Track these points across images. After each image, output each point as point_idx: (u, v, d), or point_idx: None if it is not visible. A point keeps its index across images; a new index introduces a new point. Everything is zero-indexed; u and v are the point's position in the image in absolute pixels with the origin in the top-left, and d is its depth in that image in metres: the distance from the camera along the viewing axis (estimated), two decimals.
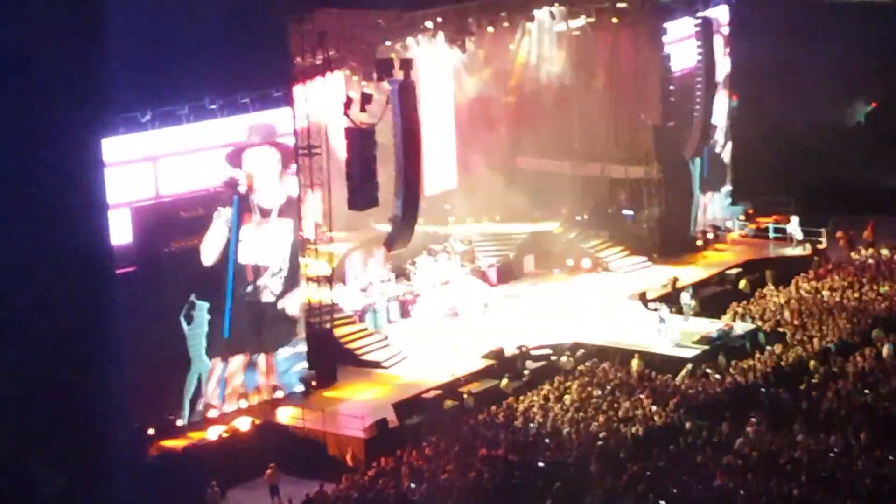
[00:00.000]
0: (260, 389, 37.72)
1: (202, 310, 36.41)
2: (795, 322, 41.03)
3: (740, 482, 29.81)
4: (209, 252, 36.75)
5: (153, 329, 35.60)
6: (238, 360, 37.32)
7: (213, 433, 35.64)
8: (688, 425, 33.42)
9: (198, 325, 36.40)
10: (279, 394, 37.90)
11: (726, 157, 52.77)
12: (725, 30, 51.38)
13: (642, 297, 44.33)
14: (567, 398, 36.25)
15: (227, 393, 37.11)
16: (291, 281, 38.21)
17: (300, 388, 38.20)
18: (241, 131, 37.04)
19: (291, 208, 38.12)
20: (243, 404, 37.21)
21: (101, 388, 34.40)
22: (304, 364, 38.37)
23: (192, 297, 36.27)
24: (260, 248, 37.56)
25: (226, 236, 36.88)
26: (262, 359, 37.78)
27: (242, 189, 37.07)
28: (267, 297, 37.75)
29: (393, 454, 33.70)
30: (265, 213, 37.60)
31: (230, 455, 34.89)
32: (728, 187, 53.11)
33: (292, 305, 38.34)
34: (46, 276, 33.14)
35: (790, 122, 53.08)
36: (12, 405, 32.88)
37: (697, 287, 45.07)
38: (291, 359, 38.33)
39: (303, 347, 38.47)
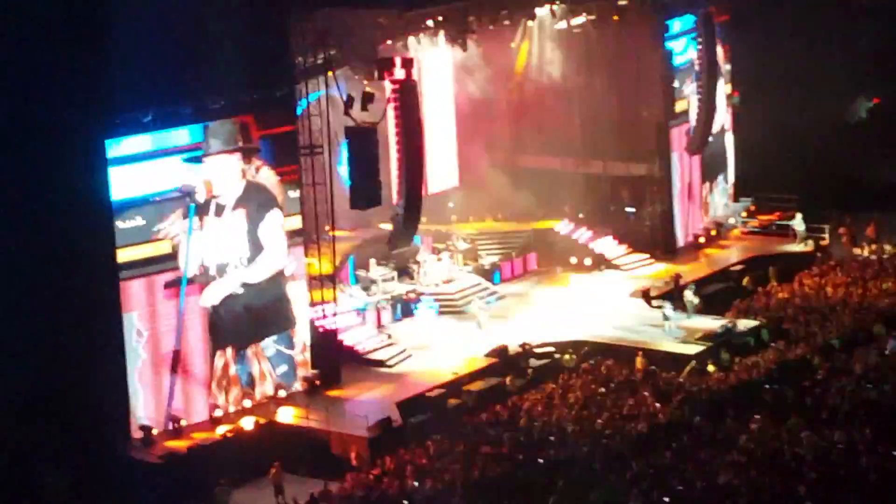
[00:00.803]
0: (254, 381, 37.46)
1: (130, 321, 35.57)
2: (799, 318, 41.04)
3: (744, 479, 29.80)
4: (191, 262, 36.35)
5: None
6: (223, 357, 37.00)
7: (218, 433, 35.60)
8: (697, 420, 33.42)
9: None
10: (282, 393, 37.80)
11: (728, 151, 52.76)
12: (726, 26, 51.36)
13: (645, 295, 44.33)
14: (571, 396, 36.26)
15: (224, 384, 36.87)
16: (260, 270, 37.75)
17: (299, 385, 38.03)
18: (200, 136, 36.42)
19: (244, 198, 37.31)
20: (247, 403, 37.17)
21: (105, 388, 34.46)
22: (287, 367, 38.07)
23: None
24: (217, 245, 36.96)
25: (186, 244, 36.26)
26: (250, 351, 37.50)
27: (200, 198, 36.46)
28: (235, 289, 37.23)
29: (397, 453, 33.72)
30: (219, 212, 37.00)
31: (235, 454, 34.85)
32: (730, 182, 53.11)
33: (269, 292, 37.87)
34: (50, 275, 33.19)
35: (793, 119, 53.04)
36: (16, 406, 32.95)
37: (700, 284, 45.06)
38: (275, 358, 38.02)
39: (288, 348, 38.21)
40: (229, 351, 37.12)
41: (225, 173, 36.95)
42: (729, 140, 53.04)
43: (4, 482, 32.53)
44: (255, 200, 37.54)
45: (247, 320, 37.44)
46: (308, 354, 38.52)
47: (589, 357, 39.34)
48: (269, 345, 37.93)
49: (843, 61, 53.78)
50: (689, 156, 49.89)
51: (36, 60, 32.77)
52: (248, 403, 37.12)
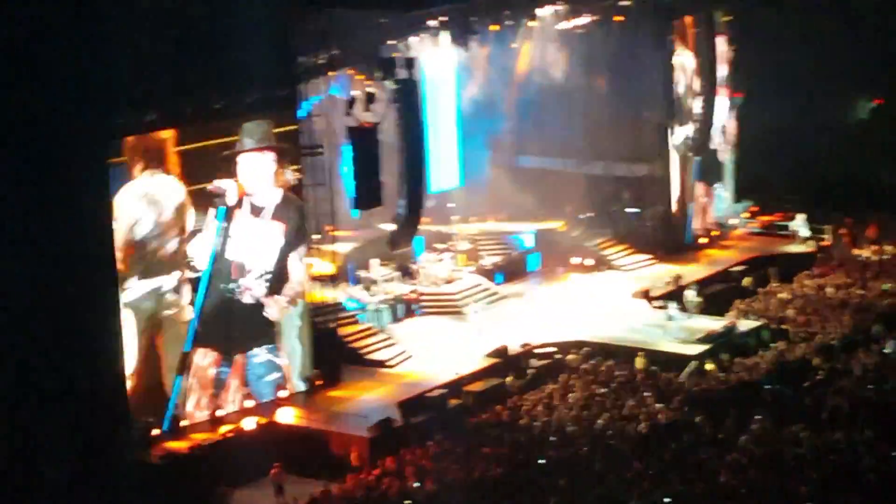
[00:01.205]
0: (228, 388, 37.01)
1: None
2: (799, 319, 41.08)
3: (744, 479, 29.82)
4: (201, 256, 36.19)
5: None
6: (209, 356, 36.67)
7: (219, 433, 35.61)
8: (698, 419, 33.42)
9: None
10: (249, 403, 37.30)
11: (723, 155, 52.71)
12: (728, 27, 51.37)
13: (646, 295, 44.36)
14: (571, 396, 36.29)
15: (200, 385, 36.48)
16: (276, 286, 37.44)
17: (269, 397, 37.52)
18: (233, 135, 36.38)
19: (285, 211, 37.41)
20: (248, 404, 37.17)
21: (104, 388, 34.43)
22: (279, 374, 37.77)
23: None
24: (248, 247, 36.82)
25: (212, 241, 36.11)
26: (236, 359, 37.10)
27: (231, 200, 36.29)
28: (247, 299, 36.98)
29: (397, 453, 33.73)
30: (256, 212, 36.93)
31: (235, 455, 34.85)
32: (728, 185, 53.10)
33: (273, 311, 37.47)
34: (50, 274, 33.15)
35: (794, 120, 53.07)
36: (15, 405, 32.91)
37: (701, 284, 45.08)
38: (267, 366, 37.72)
39: (278, 356, 37.87)
40: (213, 354, 36.80)
41: (257, 173, 36.83)
42: (730, 141, 52.98)
43: (3, 481, 32.51)
44: (295, 222, 37.51)
45: (237, 328, 37.11)
46: (297, 364, 38.17)
47: (589, 357, 39.36)
48: (262, 353, 37.63)
49: (845, 62, 53.79)
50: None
51: (37, 59, 32.73)
52: (249, 403, 37.07)
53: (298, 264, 37.91)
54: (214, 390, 36.74)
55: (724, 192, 52.96)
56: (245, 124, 36.52)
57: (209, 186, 36.06)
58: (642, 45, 48.08)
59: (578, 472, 31.16)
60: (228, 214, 36.39)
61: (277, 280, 37.55)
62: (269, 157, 37.23)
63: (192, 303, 35.97)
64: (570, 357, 39.50)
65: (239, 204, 36.65)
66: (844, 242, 49.31)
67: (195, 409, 36.38)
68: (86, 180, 33.71)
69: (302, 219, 38.02)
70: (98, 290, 34.20)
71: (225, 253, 36.53)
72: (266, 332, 37.60)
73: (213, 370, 36.75)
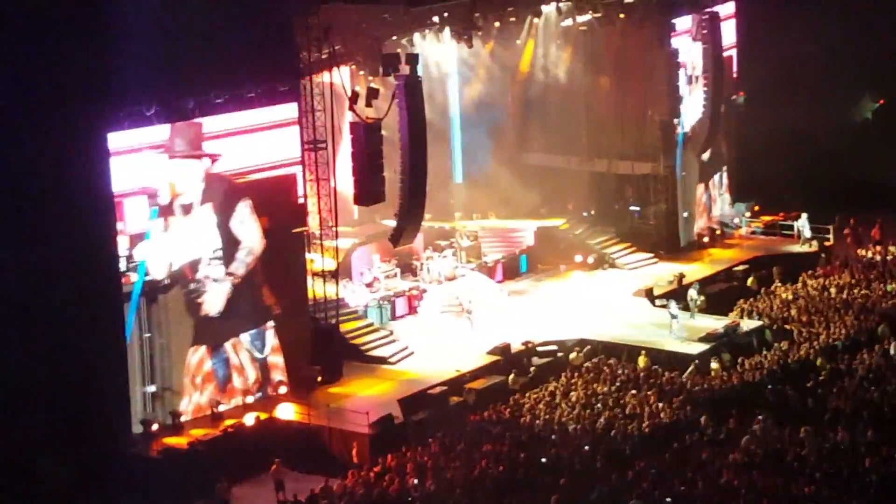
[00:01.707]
0: (242, 369, 37.03)
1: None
2: (802, 319, 40.96)
3: (746, 480, 29.71)
4: (157, 265, 35.88)
5: None
6: (198, 353, 36.54)
7: (219, 429, 35.51)
8: (703, 419, 33.32)
9: None
10: (248, 399, 37.27)
11: (725, 154, 52.55)
12: (732, 24, 51.25)
13: (648, 294, 44.24)
14: (573, 394, 36.19)
15: (197, 382, 36.48)
16: (229, 259, 36.97)
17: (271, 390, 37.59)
18: (164, 135, 35.71)
19: (210, 191, 36.56)
20: (249, 399, 37.09)
21: (106, 384, 34.39)
22: (260, 355, 37.59)
23: None
24: (190, 245, 36.43)
25: (151, 245, 35.68)
26: (228, 345, 37.02)
27: (164, 200, 35.81)
28: (210, 286, 36.69)
29: (398, 450, 33.63)
30: (187, 209, 36.37)
31: (235, 451, 34.79)
32: (730, 184, 52.97)
33: (212, 299, 36.91)
34: (52, 270, 33.11)
35: (798, 119, 52.95)
36: (17, 401, 32.87)
37: (704, 283, 44.95)
38: (254, 358, 37.63)
39: (258, 347, 37.69)
40: (202, 349, 36.64)
41: (188, 174, 36.32)
42: (732, 140, 52.87)
43: (5, 476, 32.48)
44: (220, 191, 36.77)
45: (218, 318, 36.92)
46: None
47: (591, 356, 39.26)
48: (245, 341, 37.46)
49: (848, 61, 53.67)
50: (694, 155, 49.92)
51: (39, 52, 32.67)
52: (249, 399, 36.97)
53: (242, 225, 37.13)
54: (219, 382, 36.68)
55: (726, 191, 52.82)
56: (176, 124, 35.82)
57: (141, 187, 35.32)
58: (646, 43, 47.94)
59: (580, 471, 31.07)
60: (162, 216, 35.85)
61: (228, 252, 36.96)
62: (201, 161, 36.65)
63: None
64: (571, 355, 39.41)
65: (171, 210, 36.06)
66: (848, 242, 49.20)
67: (209, 405, 36.42)
68: (86, 173, 33.70)
69: (227, 182, 36.97)
70: (101, 282, 34.20)
71: (169, 257, 36.05)
72: (252, 316, 37.34)
73: (208, 364, 36.66)
